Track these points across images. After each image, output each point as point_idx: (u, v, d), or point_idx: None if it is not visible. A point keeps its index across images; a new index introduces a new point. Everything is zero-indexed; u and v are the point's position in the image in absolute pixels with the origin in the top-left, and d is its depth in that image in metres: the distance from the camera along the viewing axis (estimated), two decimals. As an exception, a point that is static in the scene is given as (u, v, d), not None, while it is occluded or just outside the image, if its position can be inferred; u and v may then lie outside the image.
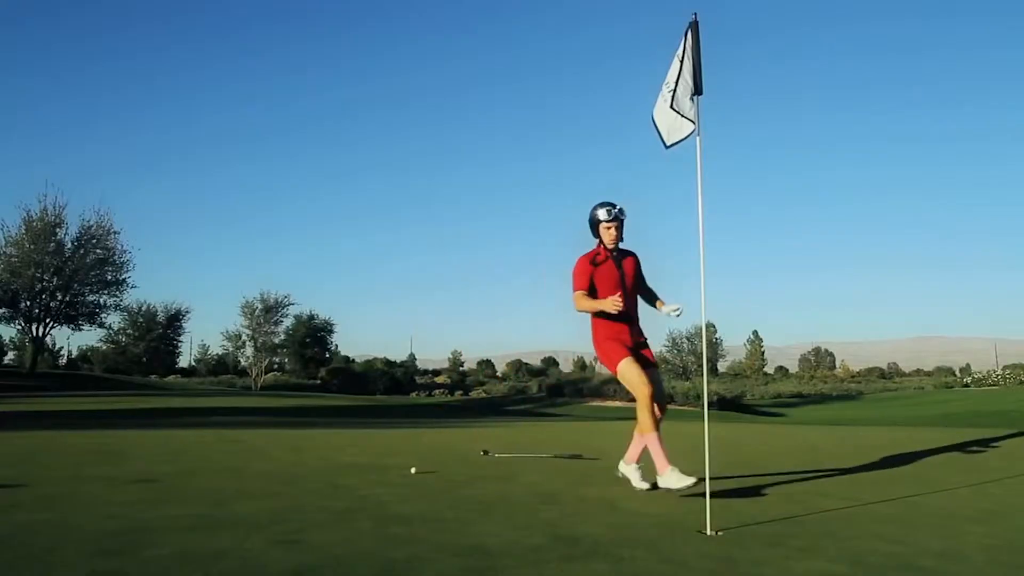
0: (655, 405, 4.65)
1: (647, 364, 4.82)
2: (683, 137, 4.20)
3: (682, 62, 4.19)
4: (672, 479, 4.44)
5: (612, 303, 4.54)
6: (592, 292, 4.80)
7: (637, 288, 4.96)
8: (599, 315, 4.79)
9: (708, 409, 4.36)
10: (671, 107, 4.20)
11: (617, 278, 4.81)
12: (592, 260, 4.84)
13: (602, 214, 4.80)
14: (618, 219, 4.80)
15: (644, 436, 4.67)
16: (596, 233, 4.87)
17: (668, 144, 4.27)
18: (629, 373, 4.68)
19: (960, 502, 4.86)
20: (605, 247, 4.86)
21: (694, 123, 4.16)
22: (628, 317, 4.82)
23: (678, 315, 4.86)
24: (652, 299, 5.05)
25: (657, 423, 4.65)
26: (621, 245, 4.92)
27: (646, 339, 4.98)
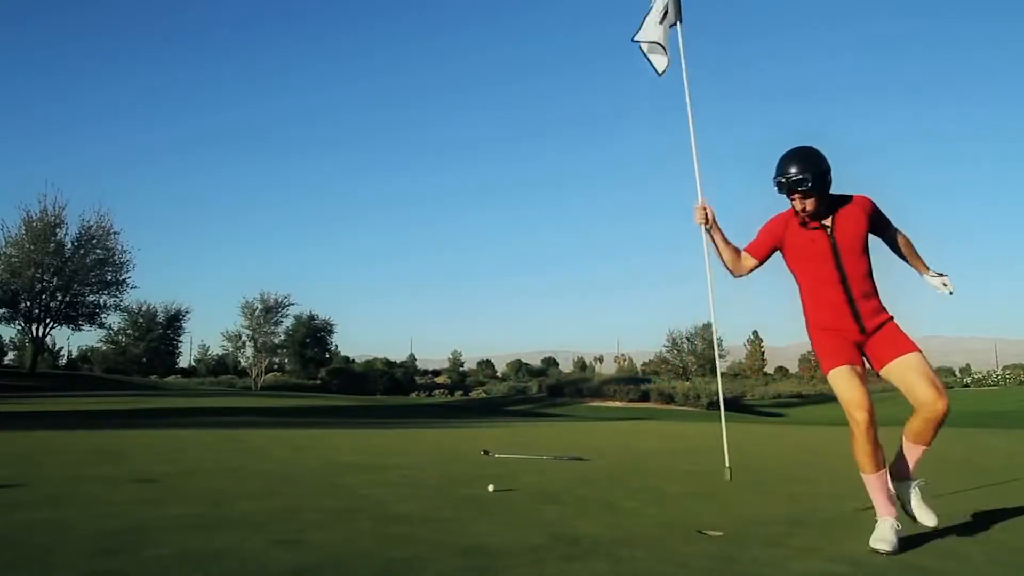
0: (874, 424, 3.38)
1: (891, 354, 3.43)
2: (666, 66, 4.58)
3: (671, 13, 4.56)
4: (883, 532, 3.27)
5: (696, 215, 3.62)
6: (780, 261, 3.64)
7: (865, 251, 3.49)
8: (807, 294, 3.58)
9: (724, 409, 4.34)
10: (651, 40, 4.60)
11: (826, 247, 3.45)
12: (785, 222, 3.58)
13: (776, 183, 3.47)
14: (794, 190, 3.41)
15: (864, 476, 3.45)
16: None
17: (660, 72, 4.61)
18: (838, 387, 3.41)
19: (960, 502, 4.86)
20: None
21: (665, 49, 4.55)
22: (845, 292, 3.44)
23: (948, 292, 3.54)
24: (910, 256, 3.64)
25: (878, 458, 3.41)
26: (841, 192, 3.52)
27: (888, 318, 3.49)
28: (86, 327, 35.48)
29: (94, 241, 34.05)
